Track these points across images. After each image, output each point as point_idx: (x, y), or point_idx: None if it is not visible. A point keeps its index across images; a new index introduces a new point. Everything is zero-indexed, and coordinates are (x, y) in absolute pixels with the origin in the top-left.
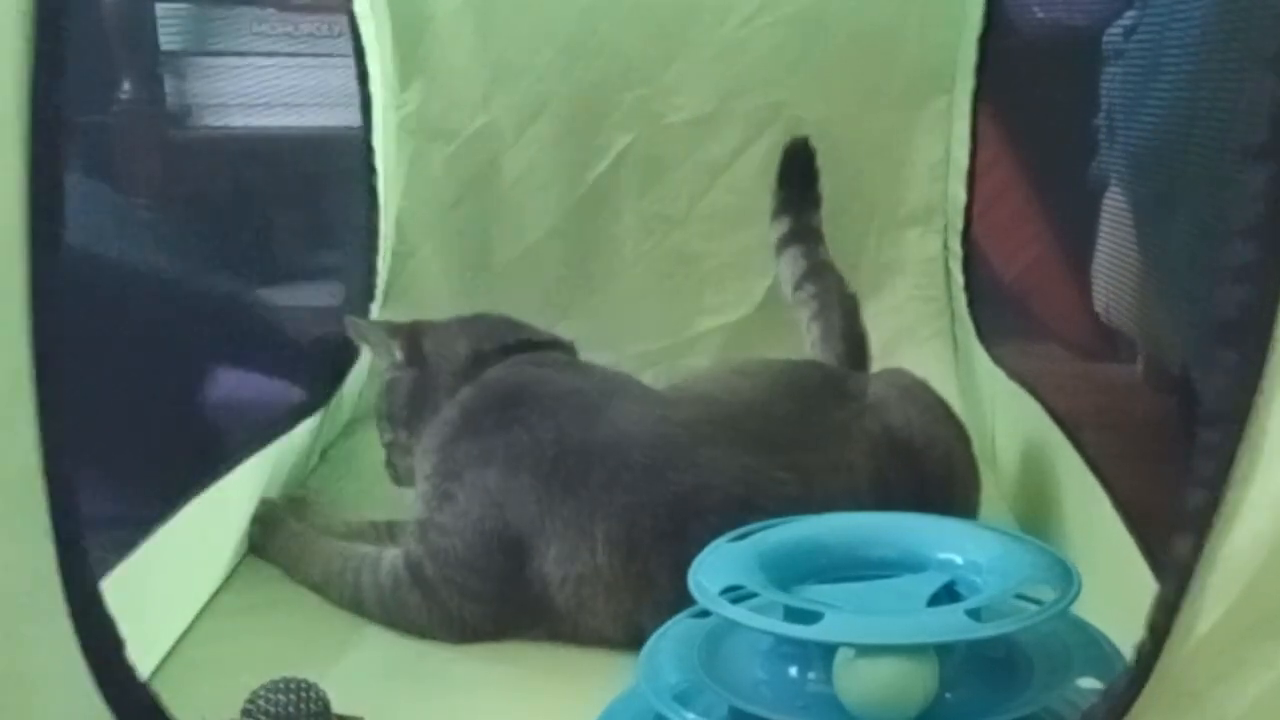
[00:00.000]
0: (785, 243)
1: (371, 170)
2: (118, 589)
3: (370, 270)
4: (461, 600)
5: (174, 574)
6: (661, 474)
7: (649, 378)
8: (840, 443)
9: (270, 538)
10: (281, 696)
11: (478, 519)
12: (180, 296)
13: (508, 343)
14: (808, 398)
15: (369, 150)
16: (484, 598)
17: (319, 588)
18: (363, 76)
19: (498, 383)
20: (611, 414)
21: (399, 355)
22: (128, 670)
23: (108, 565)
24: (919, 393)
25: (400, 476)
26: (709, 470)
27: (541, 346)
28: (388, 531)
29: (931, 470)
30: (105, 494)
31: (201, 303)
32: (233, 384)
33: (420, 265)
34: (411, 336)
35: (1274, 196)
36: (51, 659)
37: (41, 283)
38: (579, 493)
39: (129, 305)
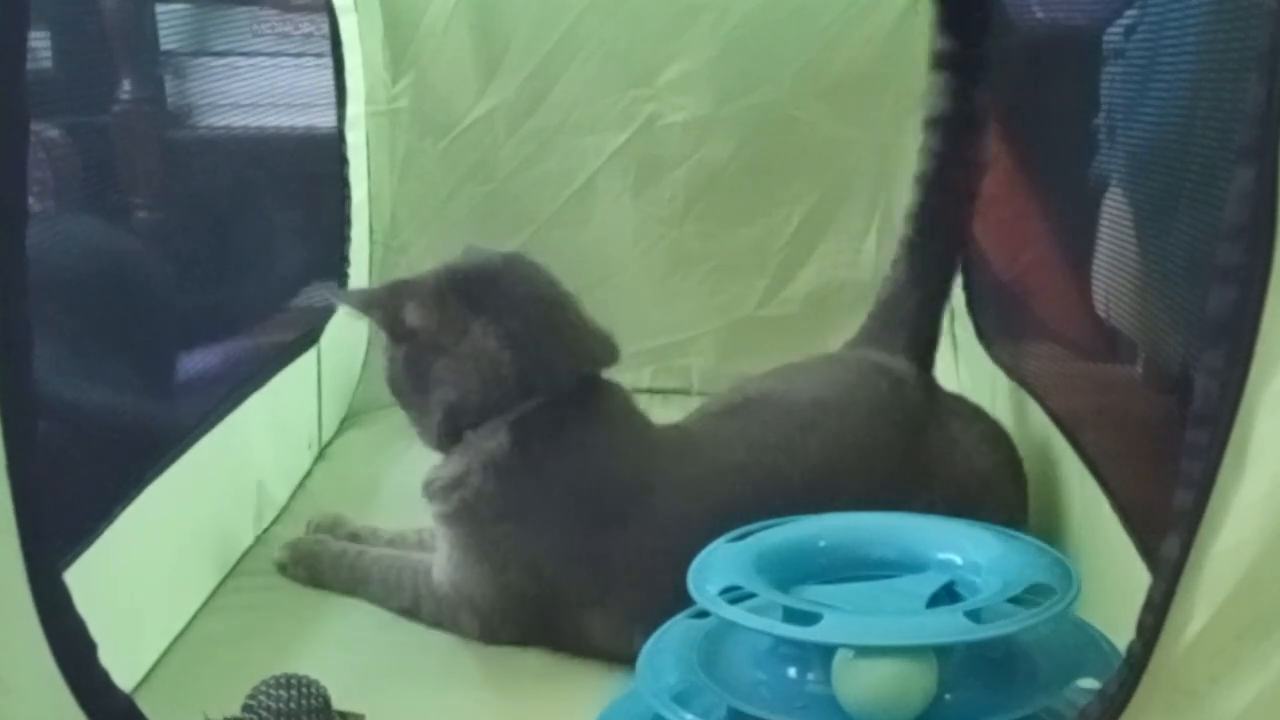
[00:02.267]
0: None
1: (344, 162)
2: (85, 586)
3: (343, 260)
4: (511, 627)
5: (145, 565)
6: None
7: (647, 376)
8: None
9: (318, 568)
10: (283, 693)
11: (516, 581)
12: (138, 280)
13: (556, 379)
14: (874, 455)
15: (341, 142)
16: (524, 624)
17: (381, 600)
18: (338, 70)
19: (543, 457)
20: (666, 507)
21: (386, 333)
22: (101, 676)
23: (70, 557)
24: (994, 448)
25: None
26: None
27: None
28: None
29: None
30: (61, 482)
31: (162, 288)
32: (185, 364)
33: (413, 260)
34: (392, 313)
35: (1259, 198)
36: (24, 663)
37: (4, 272)
38: (631, 581)
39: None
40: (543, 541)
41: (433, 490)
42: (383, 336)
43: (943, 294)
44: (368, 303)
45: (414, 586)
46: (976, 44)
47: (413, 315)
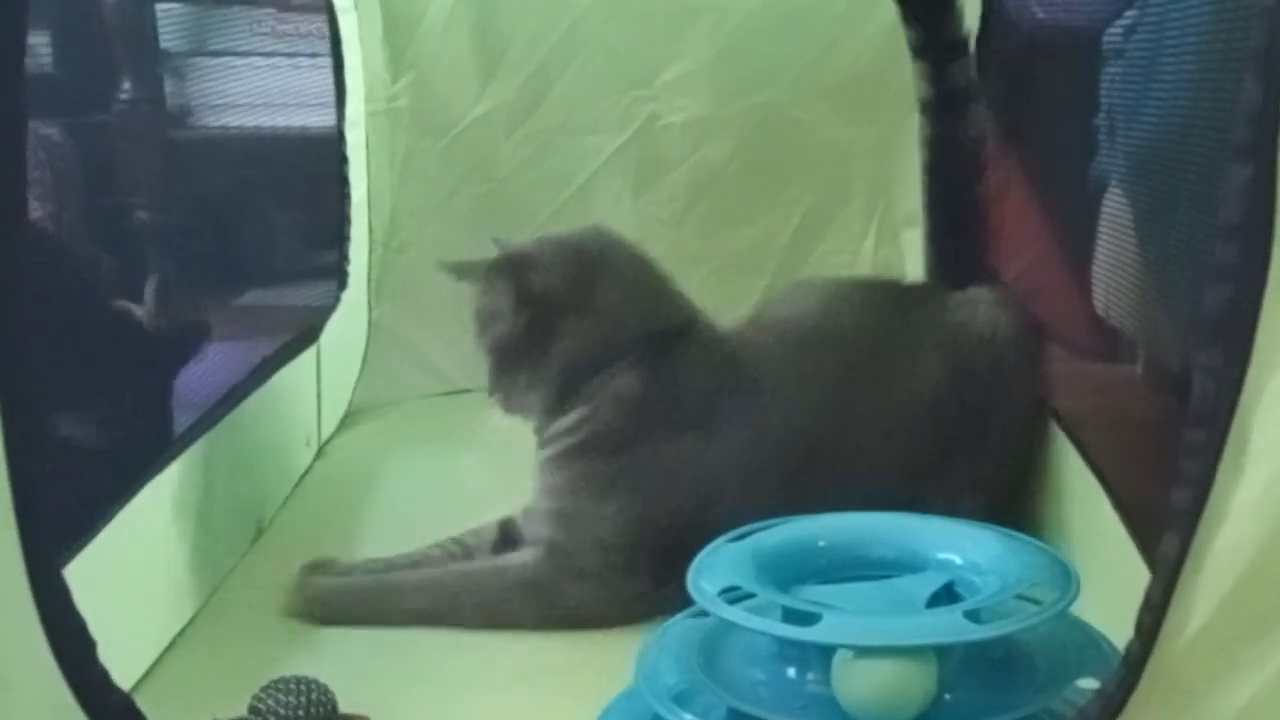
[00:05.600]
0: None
1: (344, 161)
2: (83, 583)
3: (342, 258)
4: (629, 580)
5: (144, 563)
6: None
7: None
8: (916, 341)
9: (349, 603)
10: (290, 699)
11: (639, 515)
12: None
13: (671, 324)
14: (880, 318)
15: (341, 141)
16: (644, 572)
17: (434, 617)
18: (338, 70)
19: (671, 383)
20: (771, 387)
21: (507, 300)
22: (101, 674)
23: (69, 553)
24: (1009, 308)
25: (517, 410)
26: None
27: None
28: (460, 546)
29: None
30: (61, 479)
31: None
32: (185, 361)
33: (413, 259)
34: (518, 277)
35: (1255, 197)
36: (24, 660)
37: (3, 270)
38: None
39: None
40: (673, 461)
41: (555, 432)
42: (497, 306)
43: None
44: (495, 270)
45: (482, 589)
46: (939, 29)
47: (540, 281)
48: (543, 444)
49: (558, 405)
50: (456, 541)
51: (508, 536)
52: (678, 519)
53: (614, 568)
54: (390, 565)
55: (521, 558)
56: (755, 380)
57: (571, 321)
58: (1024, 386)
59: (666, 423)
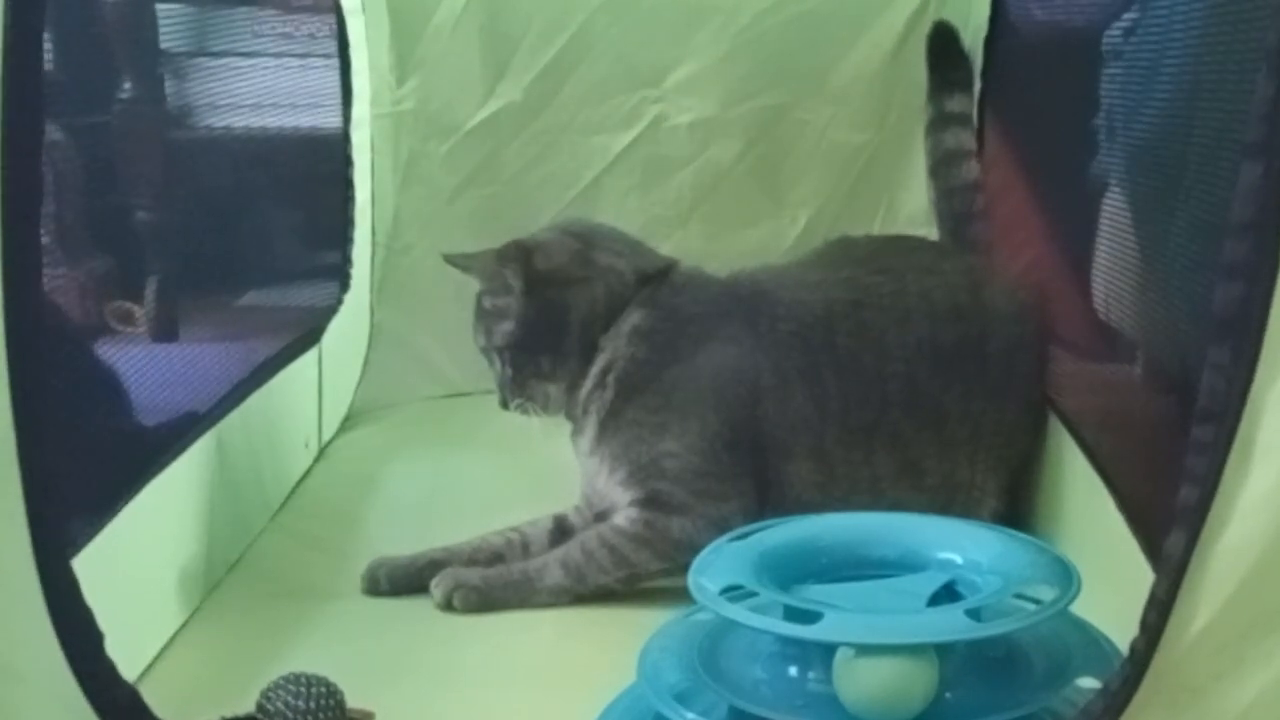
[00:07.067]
0: (927, 132)
1: (349, 163)
2: (89, 576)
3: (345, 260)
4: (716, 504)
5: (148, 557)
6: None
7: None
8: (930, 264)
9: (492, 591)
10: (300, 703)
11: (699, 433)
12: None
13: (660, 266)
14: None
15: (346, 142)
16: (729, 495)
17: (571, 591)
18: (344, 71)
19: (675, 309)
20: (773, 299)
21: (518, 285)
22: (108, 666)
23: (78, 545)
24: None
25: (544, 404)
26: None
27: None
28: (519, 534)
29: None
30: (71, 473)
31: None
32: (189, 359)
33: (415, 261)
34: (524, 262)
35: (1266, 194)
36: (32, 651)
37: (15, 265)
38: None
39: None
40: (702, 375)
41: (587, 393)
42: (506, 300)
43: None
44: (501, 258)
45: (590, 555)
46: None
47: (544, 260)
48: (580, 420)
49: (580, 374)
50: (514, 529)
51: (562, 528)
52: (733, 429)
53: (701, 495)
54: (450, 553)
55: (619, 521)
56: (756, 286)
57: (578, 290)
58: (1028, 350)
59: (682, 342)
